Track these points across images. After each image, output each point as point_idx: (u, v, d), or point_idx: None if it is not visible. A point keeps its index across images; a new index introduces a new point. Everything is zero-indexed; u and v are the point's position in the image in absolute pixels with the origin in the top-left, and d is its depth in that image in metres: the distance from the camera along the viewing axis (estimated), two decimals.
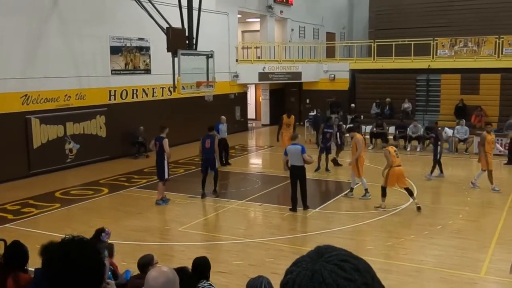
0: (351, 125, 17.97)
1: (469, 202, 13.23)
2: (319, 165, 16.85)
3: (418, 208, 12.23)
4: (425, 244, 10.27)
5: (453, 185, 15.41)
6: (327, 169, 16.93)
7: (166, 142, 13.05)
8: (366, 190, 13.56)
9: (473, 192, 14.31)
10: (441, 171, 16.02)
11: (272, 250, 9.90)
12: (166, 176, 13.32)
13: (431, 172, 15.78)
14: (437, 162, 15.81)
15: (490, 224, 11.34)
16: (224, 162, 17.90)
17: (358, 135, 14.01)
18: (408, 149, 21.03)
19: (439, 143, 15.82)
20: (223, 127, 17.87)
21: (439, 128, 19.75)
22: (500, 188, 14.32)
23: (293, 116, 18.39)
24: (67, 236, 2.18)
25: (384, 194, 12.50)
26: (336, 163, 17.75)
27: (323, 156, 16.91)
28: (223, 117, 18.33)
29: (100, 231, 6.43)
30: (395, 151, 12.63)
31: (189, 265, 5.86)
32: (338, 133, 18.11)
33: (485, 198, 13.73)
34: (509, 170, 17.50)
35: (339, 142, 18.17)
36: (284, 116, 18.34)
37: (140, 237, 10.67)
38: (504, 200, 13.28)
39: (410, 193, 12.49)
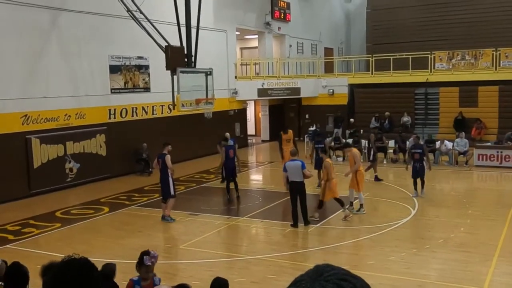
0: (347, 142, 18.00)
1: (470, 215, 13.19)
2: (320, 181, 16.71)
3: (345, 217, 12.85)
4: (427, 258, 10.23)
5: (454, 198, 15.39)
6: None
7: (168, 158, 13.13)
8: (361, 205, 13.57)
9: (474, 205, 14.29)
10: (416, 188, 15.08)
11: (274, 267, 9.86)
12: (173, 193, 13.36)
13: (422, 187, 15.09)
14: (423, 178, 15.03)
15: (492, 237, 11.30)
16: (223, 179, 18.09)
17: (354, 150, 14.09)
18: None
19: (425, 158, 15.10)
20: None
21: (438, 142, 19.76)
22: (501, 200, 14.30)
23: (290, 131, 18.15)
24: (66, 257, 2.19)
25: (320, 206, 13.01)
26: (377, 178, 17.58)
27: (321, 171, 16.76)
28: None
29: (143, 254, 6.19)
30: (332, 164, 13.16)
31: (190, 283, 5.83)
32: (372, 149, 18.01)
33: (486, 210, 13.69)
34: (510, 181, 17.46)
35: (372, 158, 17.87)
36: (281, 133, 18.20)
37: None
38: (505, 212, 13.24)
39: (342, 203, 12.96)
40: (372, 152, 17.95)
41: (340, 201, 12.94)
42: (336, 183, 13.02)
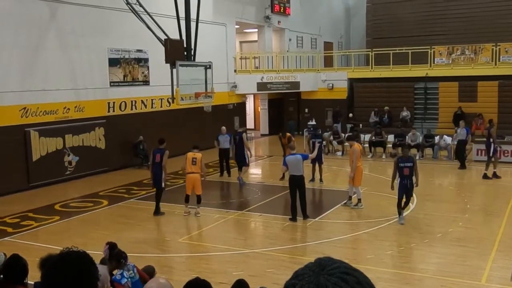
0: (350, 134, 17.90)
1: (468, 209, 13.22)
2: (313, 176, 16.72)
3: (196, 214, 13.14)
4: (425, 252, 10.25)
5: (453, 192, 15.41)
6: (321, 180, 16.68)
7: (244, 135, 17.00)
8: (359, 200, 13.56)
9: (472, 199, 14.31)
10: (400, 212, 12.11)
11: (273, 261, 9.88)
12: (248, 162, 17.06)
13: (404, 207, 12.24)
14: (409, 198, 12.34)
15: (490, 231, 11.33)
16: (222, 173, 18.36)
17: (355, 145, 13.97)
18: None
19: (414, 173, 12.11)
20: (222, 137, 17.88)
21: (437, 137, 19.60)
22: (499, 195, 14.29)
23: (288, 134, 18.04)
24: (64, 249, 2.19)
25: (187, 200, 13.24)
26: (495, 175, 16.94)
27: (316, 166, 16.67)
28: (223, 128, 18.24)
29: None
30: (193, 158, 13.12)
31: (189, 277, 5.83)
32: (493, 144, 16.88)
33: (484, 205, 13.71)
34: (509, 176, 17.48)
35: (492, 154, 16.86)
36: (280, 136, 18.61)
37: (140, 249, 10.63)
38: (504, 207, 13.26)
39: (199, 200, 13.16)
40: (492, 148, 16.96)
41: (199, 198, 13.18)
42: (195, 178, 13.10)
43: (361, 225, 12.08)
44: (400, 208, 12.07)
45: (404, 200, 12.10)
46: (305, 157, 12.64)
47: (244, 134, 17.20)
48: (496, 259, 9.60)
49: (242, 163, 16.87)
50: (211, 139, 18.61)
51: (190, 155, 13.21)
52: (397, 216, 12.11)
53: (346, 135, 18.58)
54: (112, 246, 6.35)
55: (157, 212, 13.31)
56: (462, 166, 18.57)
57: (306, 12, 32.61)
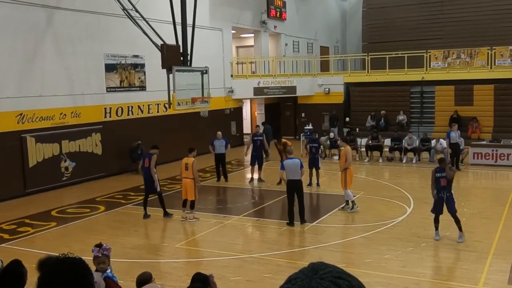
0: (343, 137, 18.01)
1: (465, 213, 13.22)
2: (311, 180, 16.73)
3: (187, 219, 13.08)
4: (423, 256, 10.25)
5: None
6: (318, 185, 16.71)
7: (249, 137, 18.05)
8: (353, 202, 13.59)
9: (469, 203, 14.33)
10: (437, 228, 11.15)
11: (270, 265, 9.87)
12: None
13: (459, 227, 10.99)
14: None
15: (487, 235, 11.34)
16: (218, 178, 18.32)
17: (347, 147, 14.08)
18: (404, 161, 21.08)
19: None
20: (217, 142, 17.93)
21: (433, 140, 19.57)
22: (496, 199, 14.31)
23: (283, 141, 18.16)
24: (61, 255, 2.20)
25: (183, 205, 13.29)
26: None
27: (313, 171, 16.76)
28: (219, 133, 18.30)
29: (95, 245, 6.35)
30: (186, 164, 13.18)
31: (186, 282, 5.84)
32: None
33: (481, 209, 13.73)
34: (506, 180, 17.52)
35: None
36: (275, 142, 18.73)
37: (137, 254, 10.62)
38: (501, 210, 13.29)
39: (192, 205, 13.12)
40: None
41: (191, 204, 13.20)
42: (189, 183, 13.10)
43: (359, 229, 12.08)
44: (437, 223, 11.06)
45: (438, 215, 11.08)
46: (301, 166, 12.49)
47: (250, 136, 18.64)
48: (493, 263, 9.61)
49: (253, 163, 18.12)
50: (207, 144, 18.62)
51: (184, 160, 13.37)
52: (397, 217, 12.00)
53: (342, 137, 18.65)
54: (99, 246, 6.36)
55: (166, 214, 13.51)
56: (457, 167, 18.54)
57: (302, 17, 32.70)
